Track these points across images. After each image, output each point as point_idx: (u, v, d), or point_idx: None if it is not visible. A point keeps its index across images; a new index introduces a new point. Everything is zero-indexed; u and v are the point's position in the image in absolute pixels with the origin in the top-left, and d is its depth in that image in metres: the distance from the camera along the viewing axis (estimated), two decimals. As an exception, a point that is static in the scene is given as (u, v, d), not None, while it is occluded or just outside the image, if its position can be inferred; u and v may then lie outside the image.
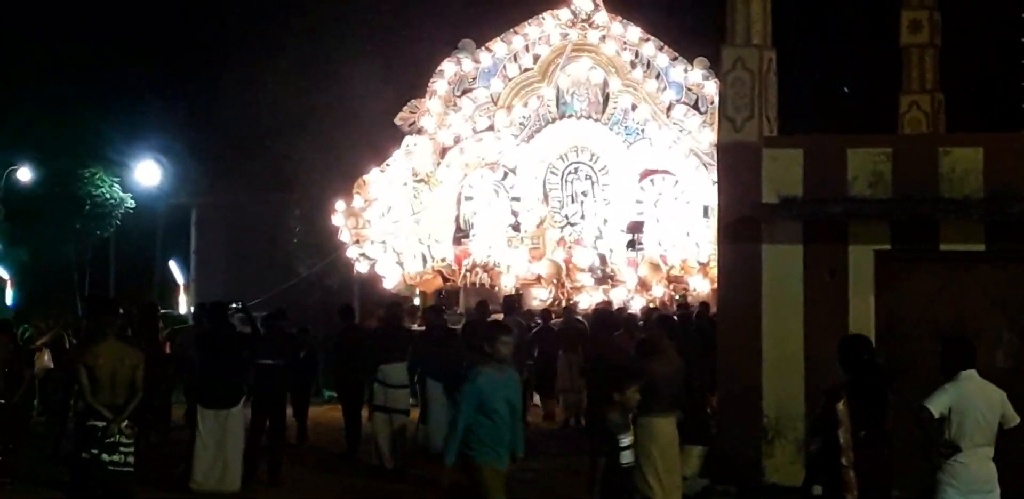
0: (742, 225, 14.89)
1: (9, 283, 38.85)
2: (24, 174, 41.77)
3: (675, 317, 19.18)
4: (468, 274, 28.20)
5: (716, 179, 15.80)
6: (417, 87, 29.75)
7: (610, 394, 10.38)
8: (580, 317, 23.39)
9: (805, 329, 14.53)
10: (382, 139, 30.47)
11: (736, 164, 15.13)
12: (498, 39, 29.53)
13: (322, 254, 35.31)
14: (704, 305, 24.15)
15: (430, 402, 17.85)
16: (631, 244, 28.27)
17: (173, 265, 40.74)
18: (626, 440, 10.18)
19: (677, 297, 28.08)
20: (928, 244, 14.42)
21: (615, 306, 25.15)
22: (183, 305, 40.55)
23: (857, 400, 10.51)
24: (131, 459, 12.70)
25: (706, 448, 14.64)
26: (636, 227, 28.36)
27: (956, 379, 10.30)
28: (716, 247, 16.29)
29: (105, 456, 12.56)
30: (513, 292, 26.92)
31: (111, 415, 12.58)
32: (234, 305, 17.42)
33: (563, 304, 26.48)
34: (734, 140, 15.21)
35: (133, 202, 42.19)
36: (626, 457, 10.17)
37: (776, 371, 14.58)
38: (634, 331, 18.23)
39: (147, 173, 41.72)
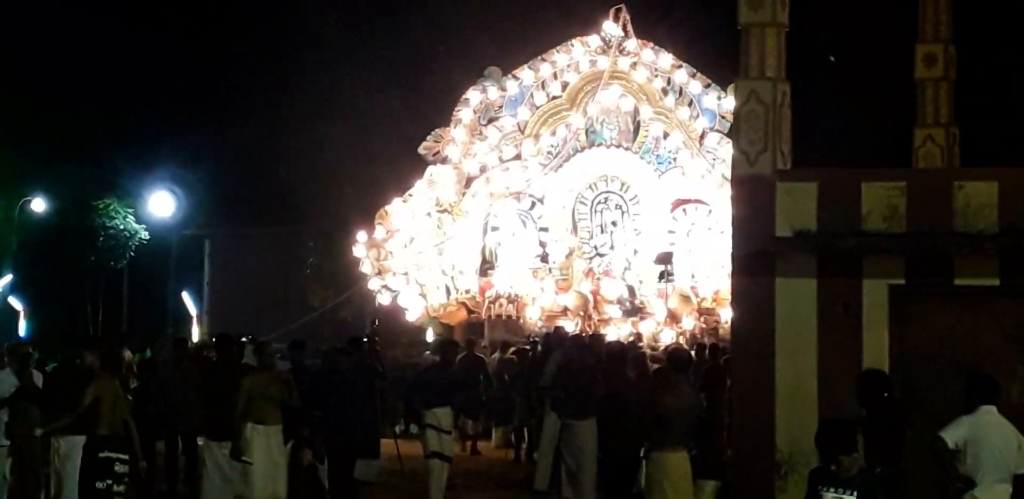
0: (756, 258, 14.83)
1: (23, 314, 38.84)
2: (38, 205, 41.88)
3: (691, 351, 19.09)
4: (492, 306, 27.86)
5: (731, 212, 15.76)
6: (441, 115, 29.50)
7: (836, 455, 9.66)
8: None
9: (819, 363, 14.45)
10: (403, 169, 30.21)
11: (750, 197, 15.09)
12: (525, 66, 29.14)
13: (336, 286, 35.30)
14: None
15: (544, 438, 17.58)
16: (663, 275, 27.74)
17: (186, 296, 40.69)
18: None
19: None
20: (943, 279, 14.35)
21: (644, 339, 24.97)
22: (196, 336, 40.53)
23: (873, 435, 10.45)
24: (123, 488, 13.70)
25: (719, 483, 14.54)
26: (665, 258, 27.84)
27: (975, 413, 10.26)
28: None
29: (116, 487, 13.42)
30: (593, 332, 26.30)
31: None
32: (244, 338, 17.45)
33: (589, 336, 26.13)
34: (748, 173, 15.18)
35: (147, 234, 42.24)
36: None
37: (789, 405, 14.50)
38: (644, 366, 18.12)
39: (161, 204, 41.77)
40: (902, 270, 14.44)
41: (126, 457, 13.66)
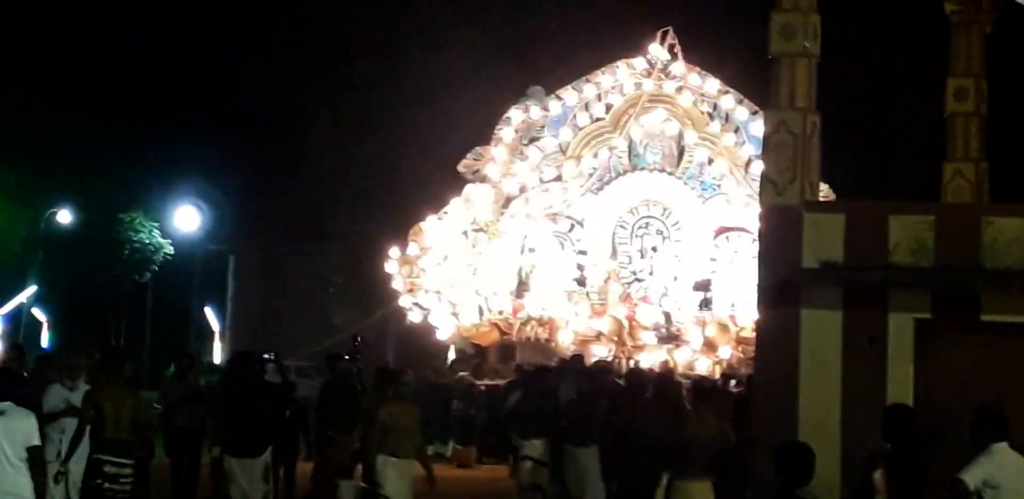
0: (781, 289, 14.77)
1: (46, 325, 38.94)
2: (64, 217, 42.02)
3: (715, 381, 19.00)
4: (523, 328, 27.67)
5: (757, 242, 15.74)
6: (479, 134, 29.44)
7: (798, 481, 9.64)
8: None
9: (842, 396, 14.37)
10: (437, 186, 30.15)
11: (777, 227, 15.05)
12: (569, 87, 29.11)
13: (360, 306, 35.28)
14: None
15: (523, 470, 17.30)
16: (704, 303, 27.53)
17: (209, 311, 40.77)
18: None
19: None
20: (969, 314, 14.28)
21: (679, 368, 24.83)
22: (217, 352, 40.58)
23: (897, 470, 10.41)
24: (129, 486, 14.86)
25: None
26: (703, 285, 27.68)
27: (989, 452, 10.20)
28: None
29: (107, 485, 14.54)
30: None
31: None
32: (266, 356, 17.43)
33: (623, 363, 25.95)
34: (776, 203, 15.14)
35: (172, 248, 42.32)
36: None
37: (812, 438, 14.33)
38: (665, 395, 18.01)
39: (186, 219, 41.89)
40: (928, 304, 14.37)
41: (120, 460, 14.58)
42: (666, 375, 23.40)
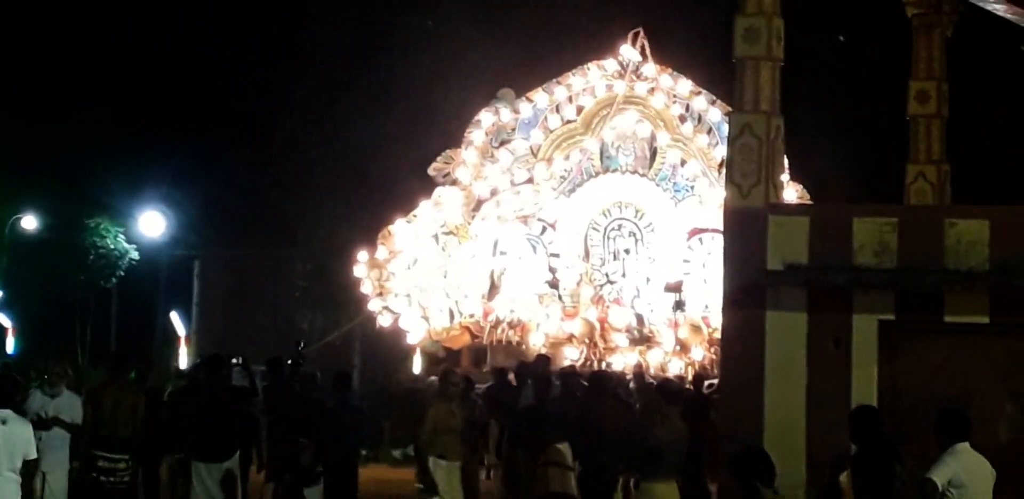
0: (746, 291, 14.86)
1: (11, 331, 38.77)
2: (29, 223, 41.85)
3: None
4: (494, 331, 27.58)
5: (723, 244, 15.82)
6: (449, 137, 29.27)
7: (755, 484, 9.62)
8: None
9: (807, 398, 14.46)
10: (404, 190, 29.93)
11: (742, 230, 15.14)
12: (539, 89, 28.77)
13: (325, 310, 35.22)
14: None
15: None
16: (678, 304, 27.41)
17: (175, 316, 40.63)
18: None
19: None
20: (933, 315, 14.39)
21: (652, 369, 24.75)
22: (183, 357, 40.45)
23: (863, 472, 10.49)
24: (127, 479, 15.42)
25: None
26: (675, 287, 27.54)
27: (953, 452, 10.31)
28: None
29: (103, 478, 15.12)
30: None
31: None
32: (234, 360, 17.43)
33: (595, 365, 25.79)
34: (740, 206, 15.23)
35: (137, 253, 42.19)
36: None
37: (777, 440, 14.48)
38: (626, 396, 17.97)
39: (151, 224, 41.73)
40: (892, 306, 14.47)
41: (114, 455, 15.16)
42: (639, 376, 23.50)
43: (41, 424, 14.78)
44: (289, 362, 19.82)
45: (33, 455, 11.50)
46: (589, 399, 16.09)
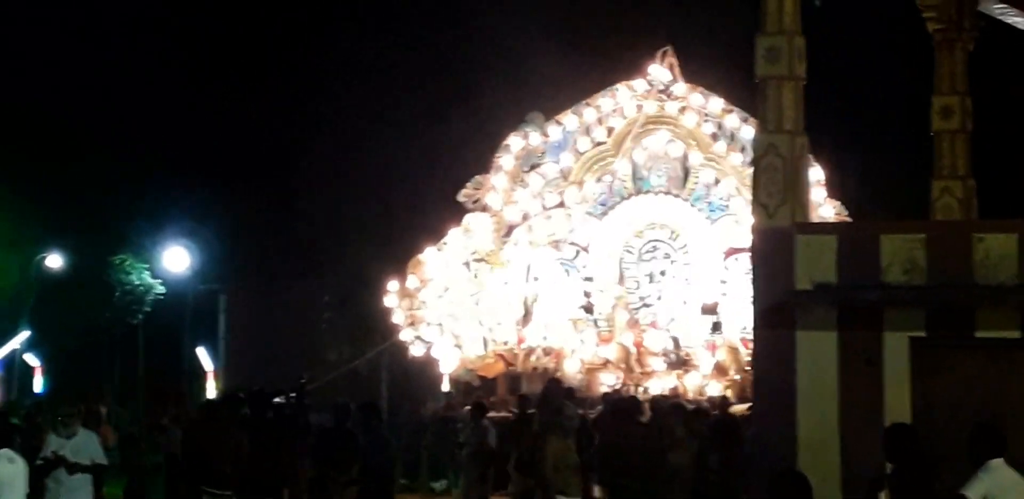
0: (776, 311, 14.79)
1: (39, 370, 38.84)
2: (54, 261, 41.95)
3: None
4: (527, 358, 27.29)
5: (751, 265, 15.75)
6: (477, 163, 29.08)
7: None
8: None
9: (840, 417, 14.37)
10: (434, 217, 29.76)
11: (770, 250, 15.07)
12: (568, 111, 28.55)
13: (352, 340, 35.17)
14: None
15: None
16: (715, 326, 27.11)
17: (202, 351, 40.66)
18: None
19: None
20: (964, 331, 14.30)
21: (690, 393, 24.52)
22: (211, 392, 40.47)
23: (903, 490, 10.39)
24: None
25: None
26: (711, 308, 27.23)
27: (988, 468, 10.22)
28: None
29: None
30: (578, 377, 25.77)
31: None
32: (281, 398, 17.40)
33: (631, 390, 25.51)
34: (767, 226, 15.16)
35: (163, 288, 42.26)
36: None
37: (811, 460, 14.38)
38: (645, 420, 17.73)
39: (176, 259, 41.80)
40: (923, 323, 14.38)
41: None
42: (658, 401, 23.28)
43: (50, 464, 14.77)
44: (292, 395, 19.77)
45: (26, 491, 11.61)
46: (612, 424, 15.99)
